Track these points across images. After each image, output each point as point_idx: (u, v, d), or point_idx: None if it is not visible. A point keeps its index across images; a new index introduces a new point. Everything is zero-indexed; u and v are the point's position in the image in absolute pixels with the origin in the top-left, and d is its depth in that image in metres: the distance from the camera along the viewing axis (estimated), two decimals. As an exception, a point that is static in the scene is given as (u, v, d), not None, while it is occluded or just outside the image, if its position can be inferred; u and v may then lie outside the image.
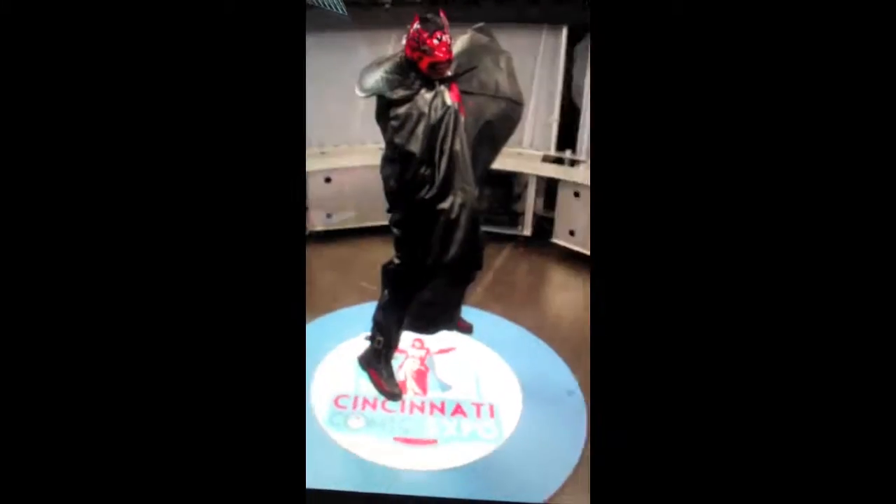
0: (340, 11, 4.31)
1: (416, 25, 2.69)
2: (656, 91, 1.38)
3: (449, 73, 2.77)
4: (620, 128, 1.40)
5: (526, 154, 5.34)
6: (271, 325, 1.38)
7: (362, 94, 2.79)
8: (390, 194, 2.88)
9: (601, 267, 1.40)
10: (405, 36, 2.73)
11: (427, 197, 2.73)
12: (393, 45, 4.64)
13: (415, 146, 2.69)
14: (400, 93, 2.71)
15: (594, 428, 1.39)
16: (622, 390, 1.37)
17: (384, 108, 2.76)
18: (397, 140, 2.72)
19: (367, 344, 3.28)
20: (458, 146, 2.72)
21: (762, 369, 1.33)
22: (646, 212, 1.38)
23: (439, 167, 2.70)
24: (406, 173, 2.74)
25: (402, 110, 2.70)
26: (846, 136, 1.33)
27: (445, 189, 2.72)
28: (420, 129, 2.69)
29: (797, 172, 1.34)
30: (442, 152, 2.69)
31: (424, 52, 2.67)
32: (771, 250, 1.34)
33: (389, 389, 3.32)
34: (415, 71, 2.72)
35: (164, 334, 1.36)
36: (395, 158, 2.76)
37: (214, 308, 1.38)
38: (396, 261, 3.00)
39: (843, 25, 1.33)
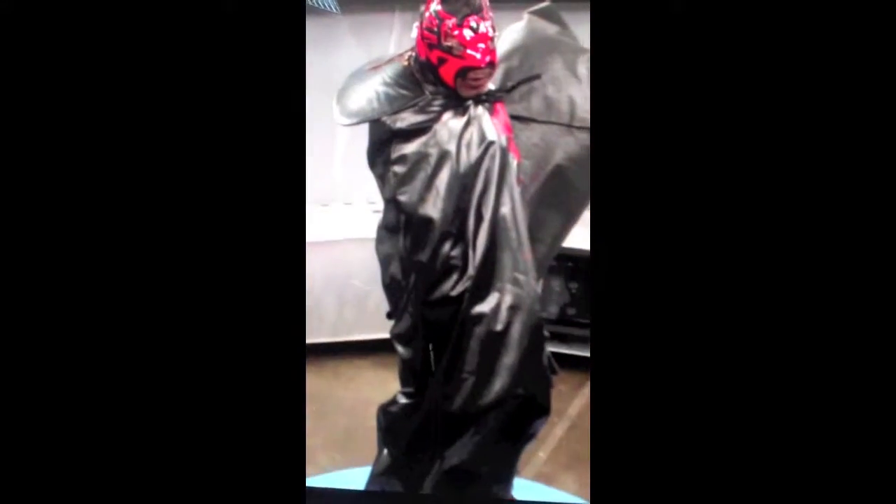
0: (334, 10, 4.56)
1: (436, 6, 2.68)
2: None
3: (491, 85, 2.80)
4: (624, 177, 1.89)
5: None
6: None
7: (346, 121, 2.81)
8: (392, 288, 2.91)
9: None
10: (417, 24, 2.75)
11: (454, 294, 2.74)
12: (396, 38, 4.72)
13: (433, 208, 2.72)
14: (408, 118, 2.75)
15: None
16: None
17: (382, 144, 2.80)
18: (403, 198, 2.75)
19: (355, 538, 3.25)
20: (506, 209, 2.74)
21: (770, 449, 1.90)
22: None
23: (474, 244, 2.72)
24: (419, 253, 2.76)
25: (411, 148, 2.74)
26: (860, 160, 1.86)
27: (486, 281, 2.73)
28: (442, 179, 2.71)
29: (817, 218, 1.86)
30: (479, 219, 2.72)
31: (450, 51, 2.67)
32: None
33: None
34: (433, 83, 2.74)
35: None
36: (401, 228, 2.80)
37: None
38: (403, 399, 3.02)
39: (843, 26, 1.83)
